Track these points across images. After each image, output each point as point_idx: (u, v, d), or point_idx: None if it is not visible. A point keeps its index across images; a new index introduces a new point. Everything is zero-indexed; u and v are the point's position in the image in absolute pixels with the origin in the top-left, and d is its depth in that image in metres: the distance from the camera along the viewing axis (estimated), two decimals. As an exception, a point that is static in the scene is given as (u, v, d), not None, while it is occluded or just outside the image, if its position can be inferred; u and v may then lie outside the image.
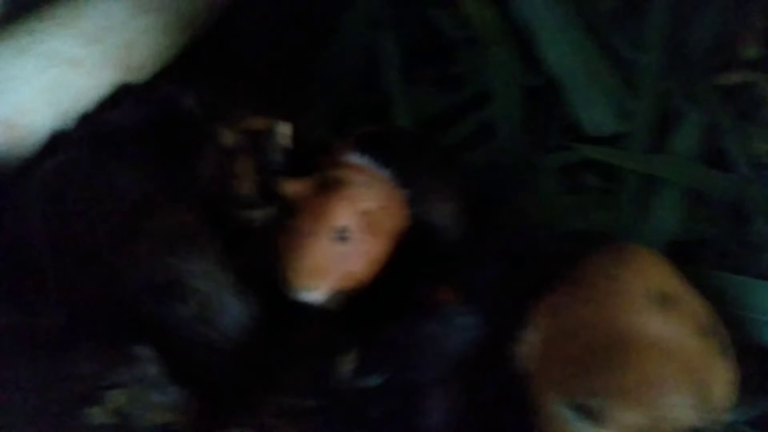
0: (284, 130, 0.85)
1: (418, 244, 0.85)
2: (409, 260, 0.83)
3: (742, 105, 1.02)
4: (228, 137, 0.84)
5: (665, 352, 0.69)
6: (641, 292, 0.73)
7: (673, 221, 0.94)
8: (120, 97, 0.96)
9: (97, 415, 0.67)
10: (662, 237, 0.94)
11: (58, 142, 0.90)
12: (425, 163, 0.89)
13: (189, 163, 0.84)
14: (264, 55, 1.11)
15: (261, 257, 0.80)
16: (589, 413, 0.64)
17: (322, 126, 1.01)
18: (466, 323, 0.76)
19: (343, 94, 1.09)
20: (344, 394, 0.70)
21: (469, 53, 1.09)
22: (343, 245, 0.77)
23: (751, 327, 0.86)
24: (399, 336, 0.75)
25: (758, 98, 1.02)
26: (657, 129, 1.00)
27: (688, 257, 0.95)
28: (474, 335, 0.76)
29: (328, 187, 0.78)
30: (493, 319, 0.77)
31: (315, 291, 0.76)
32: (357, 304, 0.80)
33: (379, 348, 0.74)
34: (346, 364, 0.72)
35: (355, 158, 0.85)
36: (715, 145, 1.01)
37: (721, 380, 0.74)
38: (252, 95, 1.01)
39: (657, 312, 0.72)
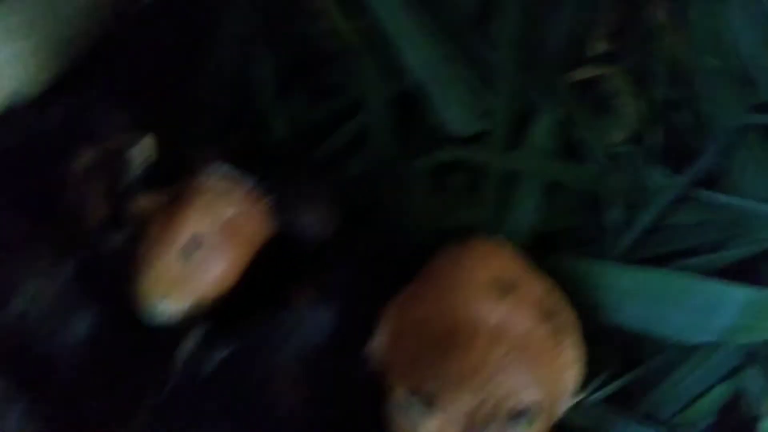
0: (145, 145, 0.84)
1: (285, 251, 0.85)
2: (274, 266, 0.83)
3: (596, 98, 1.05)
4: (84, 158, 0.82)
5: (500, 337, 0.69)
6: (480, 281, 0.73)
7: (532, 213, 0.96)
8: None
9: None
10: (523, 229, 0.95)
11: None
12: (289, 171, 0.89)
13: (43, 185, 0.82)
14: (141, 73, 1.10)
15: (119, 276, 0.79)
16: (423, 399, 0.65)
17: (198, 141, 1.01)
18: (318, 318, 0.76)
19: (219, 110, 1.09)
20: (185, 388, 0.70)
21: (340, 64, 1.10)
22: (197, 253, 0.76)
23: (607, 309, 0.88)
24: (250, 324, 0.75)
25: (610, 90, 1.06)
26: (515, 126, 1.01)
27: (550, 246, 0.98)
28: (327, 331, 0.76)
29: (182, 197, 0.77)
30: (348, 315, 0.77)
31: (168, 301, 0.75)
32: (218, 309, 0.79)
33: (224, 332, 0.74)
34: (189, 341, 0.71)
35: (217, 168, 0.83)
36: (573, 137, 1.03)
37: (565, 360, 0.75)
38: (127, 111, 1.00)
39: (495, 299, 0.72)
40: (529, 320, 0.73)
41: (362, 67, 1.07)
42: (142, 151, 0.83)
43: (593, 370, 0.86)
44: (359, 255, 0.83)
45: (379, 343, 0.76)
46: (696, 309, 0.83)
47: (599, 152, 1.00)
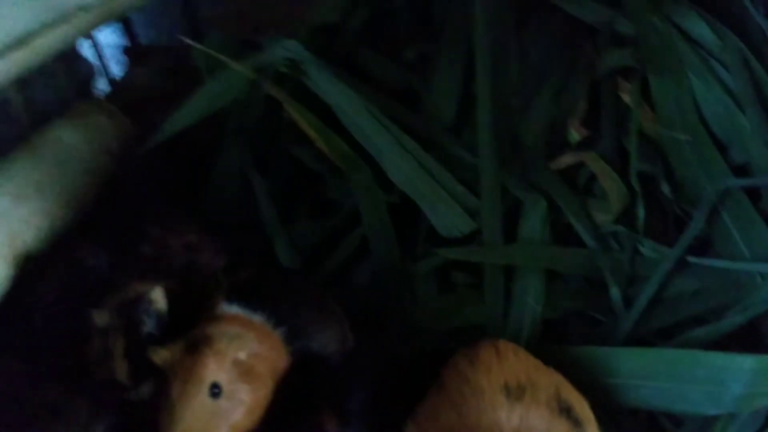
0: (156, 296, 0.85)
1: (304, 377, 0.85)
2: (296, 393, 0.83)
3: (578, 183, 1.07)
4: (101, 318, 0.84)
5: (519, 429, 0.69)
6: (494, 388, 0.73)
7: (534, 304, 0.96)
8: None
9: None
10: (528, 320, 0.95)
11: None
12: (296, 298, 0.87)
13: (71, 350, 0.83)
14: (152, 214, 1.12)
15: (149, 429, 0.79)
16: None
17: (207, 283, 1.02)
18: (348, 446, 0.76)
19: (225, 240, 1.11)
20: None
21: (334, 182, 1.12)
22: (218, 401, 0.75)
23: (621, 391, 0.86)
24: None
25: (590, 174, 1.08)
26: (505, 221, 1.02)
27: (556, 334, 0.98)
28: (356, 456, 0.76)
29: (196, 346, 0.77)
30: (374, 435, 0.77)
31: None
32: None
33: None
34: None
35: (227, 308, 0.83)
36: (562, 224, 1.04)
37: None
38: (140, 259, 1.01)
39: (511, 403, 0.72)
40: (546, 418, 0.72)
41: (354, 184, 1.08)
42: (154, 302, 0.84)
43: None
44: (376, 371, 0.82)
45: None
46: (707, 382, 0.82)
47: (589, 235, 1.01)
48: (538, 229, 1.01)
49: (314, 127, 1.06)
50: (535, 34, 1.17)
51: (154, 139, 1.12)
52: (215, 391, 0.75)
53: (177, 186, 1.13)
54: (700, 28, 1.13)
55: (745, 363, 0.79)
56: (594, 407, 0.79)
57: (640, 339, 0.92)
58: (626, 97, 1.10)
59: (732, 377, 0.80)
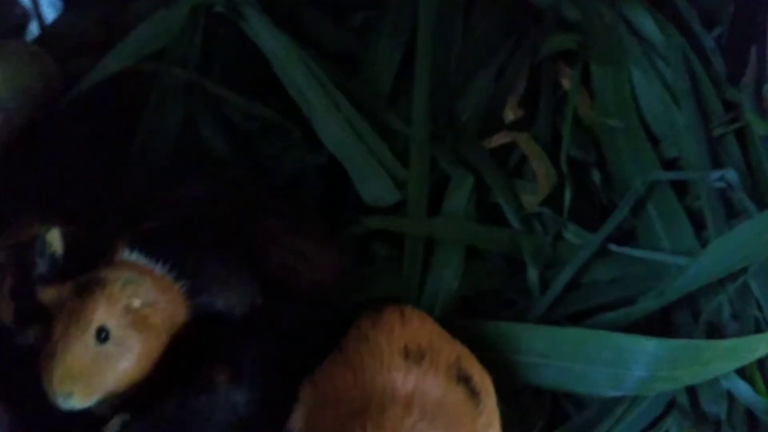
0: (52, 237, 0.81)
1: (205, 333, 0.83)
2: (194, 348, 0.80)
3: (508, 163, 1.06)
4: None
5: (413, 405, 0.66)
6: (392, 350, 0.71)
7: (452, 279, 0.94)
8: None
9: None
10: (443, 294, 0.93)
11: None
12: (204, 254, 0.84)
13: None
14: (60, 166, 1.08)
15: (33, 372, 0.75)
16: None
17: (113, 230, 0.98)
18: (237, 401, 0.73)
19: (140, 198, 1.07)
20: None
21: (266, 141, 1.09)
22: (104, 346, 0.71)
23: (527, 369, 0.85)
24: (169, 407, 0.71)
25: (522, 155, 1.06)
26: (432, 194, 1.00)
27: (472, 310, 0.97)
28: (244, 412, 0.72)
29: (87, 288, 0.73)
30: (265, 394, 0.73)
31: (75, 397, 0.70)
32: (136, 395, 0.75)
33: (145, 418, 0.70)
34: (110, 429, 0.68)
35: (127, 256, 0.80)
36: (489, 203, 1.03)
37: (484, 421, 0.72)
38: (39, 205, 0.97)
39: (408, 367, 0.70)
40: (443, 385, 0.70)
41: (289, 143, 1.06)
42: (48, 244, 0.80)
43: (520, 430, 0.84)
44: (276, 332, 0.79)
45: (297, 419, 0.72)
46: (611, 363, 0.81)
47: (514, 215, 1.00)
48: (462, 205, 1.00)
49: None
50: (482, 12, 1.15)
51: (81, 87, 1.08)
52: (102, 335, 0.72)
53: (102, 137, 1.09)
54: (645, 21, 1.13)
55: (649, 346, 0.78)
56: (498, 384, 0.78)
57: (553, 321, 0.90)
58: (566, 82, 1.10)
59: (635, 360, 0.79)
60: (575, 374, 0.81)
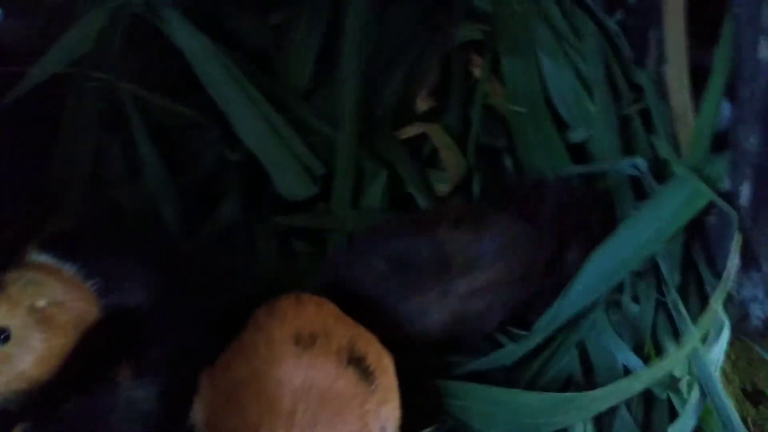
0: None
1: (113, 332, 0.84)
2: (99, 346, 0.82)
3: (422, 153, 1.08)
4: None
5: (304, 394, 0.68)
6: (284, 338, 0.72)
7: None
8: None
9: None
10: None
11: None
12: (116, 253, 0.86)
13: None
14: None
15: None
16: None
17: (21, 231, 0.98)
18: (138, 396, 0.74)
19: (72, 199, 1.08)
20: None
21: (186, 139, 1.10)
22: (4, 347, 0.72)
23: None
24: (70, 409, 0.72)
25: (434, 146, 1.09)
26: (353, 187, 1.03)
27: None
28: (148, 408, 0.73)
29: None
30: (168, 388, 0.74)
31: None
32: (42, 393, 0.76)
33: (49, 419, 0.71)
34: None
35: (35, 257, 0.80)
36: (404, 192, 1.05)
37: (379, 399, 0.73)
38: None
39: (298, 354, 0.71)
40: (333, 370, 0.71)
41: (209, 139, 1.07)
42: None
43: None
44: (180, 326, 0.80)
45: (198, 411, 0.73)
46: (507, 413, 0.83)
47: (426, 204, 1.02)
48: (378, 197, 1.02)
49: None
50: (395, 5, 1.17)
51: (12, 94, 1.08)
52: (2, 336, 0.73)
53: (24, 145, 1.09)
54: (555, 8, 1.15)
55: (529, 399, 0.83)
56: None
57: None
58: (477, 71, 1.12)
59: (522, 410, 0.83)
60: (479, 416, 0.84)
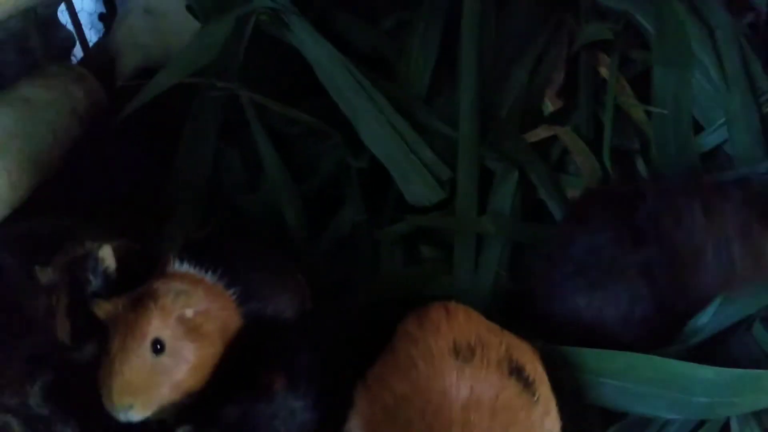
0: (104, 254, 0.81)
1: (257, 339, 0.82)
2: (246, 354, 0.80)
3: (551, 157, 1.03)
4: (45, 275, 0.80)
5: (474, 409, 0.65)
6: (442, 351, 0.69)
7: (503, 275, 0.92)
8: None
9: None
10: (489, 290, 0.92)
11: None
12: (253, 260, 0.85)
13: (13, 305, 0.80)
14: (113, 182, 1.08)
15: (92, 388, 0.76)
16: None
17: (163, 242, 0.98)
18: (295, 406, 0.72)
19: (192, 209, 1.07)
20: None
21: (306, 146, 1.08)
22: (160, 358, 0.72)
23: (590, 390, 0.82)
24: (230, 416, 0.71)
25: (564, 148, 1.04)
26: (478, 191, 0.99)
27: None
28: (304, 418, 0.72)
29: (141, 301, 0.73)
30: (321, 399, 0.73)
31: (134, 411, 0.70)
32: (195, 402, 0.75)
33: (211, 426, 0.70)
34: None
35: (177, 267, 0.80)
36: (534, 198, 1.00)
37: (541, 410, 0.71)
38: (100, 222, 0.97)
39: (460, 366, 0.69)
40: (497, 381, 0.69)
41: (325, 148, 1.06)
42: (101, 261, 0.79)
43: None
44: (327, 336, 0.79)
45: (354, 425, 0.71)
46: (672, 388, 0.78)
47: (560, 211, 0.97)
48: (508, 201, 0.98)
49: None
50: (515, 4, 1.13)
51: (134, 104, 1.08)
52: (157, 347, 0.72)
53: (147, 155, 1.09)
54: (683, 10, 1.09)
55: (709, 373, 0.77)
56: (564, 402, 0.76)
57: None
58: (604, 71, 1.07)
59: (695, 386, 0.77)
60: (636, 396, 0.79)
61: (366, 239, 1.00)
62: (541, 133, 1.04)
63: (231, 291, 0.81)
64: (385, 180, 1.03)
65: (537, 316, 0.85)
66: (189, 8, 1.14)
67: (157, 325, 0.72)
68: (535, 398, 0.71)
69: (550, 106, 1.06)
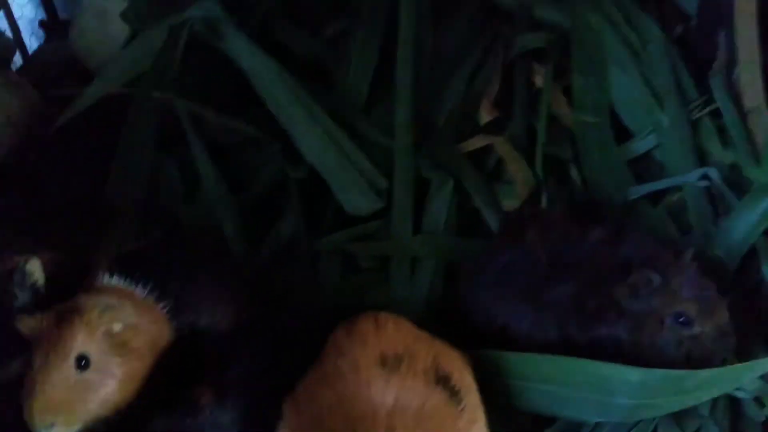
0: (32, 267, 0.80)
1: (188, 352, 0.82)
2: (176, 367, 0.79)
3: (486, 166, 1.04)
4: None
5: (398, 417, 0.66)
6: (369, 361, 0.70)
7: (432, 290, 0.93)
8: None
9: None
10: (424, 305, 0.92)
11: None
12: (186, 273, 0.83)
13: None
14: (47, 193, 1.07)
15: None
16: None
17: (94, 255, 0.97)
18: (222, 420, 0.72)
19: (131, 219, 1.06)
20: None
21: (245, 156, 1.08)
22: (84, 374, 0.70)
23: (517, 394, 0.82)
24: (157, 431, 0.70)
25: (499, 157, 1.05)
26: (415, 200, 1.00)
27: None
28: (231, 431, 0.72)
29: (65, 317, 0.71)
30: (249, 412, 0.72)
31: (56, 428, 0.69)
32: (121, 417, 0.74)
33: None
34: None
35: (106, 280, 0.79)
36: (470, 208, 1.01)
37: (468, 418, 0.71)
38: (31, 234, 0.96)
39: (386, 376, 0.69)
40: (423, 389, 0.69)
41: (263, 157, 1.06)
42: (29, 275, 0.78)
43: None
44: (260, 347, 0.78)
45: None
46: (597, 391, 0.79)
47: (495, 220, 0.98)
48: (443, 211, 0.99)
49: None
50: (451, 17, 1.15)
51: (67, 114, 1.07)
52: (82, 363, 0.71)
53: (83, 164, 1.08)
54: (620, 19, 1.11)
55: (632, 375, 0.77)
56: (491, 406, 0.76)
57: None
58: (539, 80, 1.09)
59: (619, 388, 0.78)
60: (563, 400, 0.80)
61: (305, 249, 1.00)
62: (476, 142, 1.05)
63: (162, 304, 0.80)
64: (324, 190, 1.03)
65: (466, 323, 0.86)
66: (124, 16, 1.13)
67: (82, 341, 0.71)
68: (462, 406, 0.71)
69: (485, 115, 1.08)
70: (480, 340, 0.83)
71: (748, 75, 1.01)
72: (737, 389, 0.79)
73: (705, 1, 1.09)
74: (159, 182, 1.06)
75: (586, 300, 0.80)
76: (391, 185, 1.01)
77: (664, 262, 0.79)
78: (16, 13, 1.35)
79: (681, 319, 0.78)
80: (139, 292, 0.80)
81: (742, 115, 1.02)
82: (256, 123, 1.06)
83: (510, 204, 1.01)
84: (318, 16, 1.19)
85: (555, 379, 0.79)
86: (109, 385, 0.72)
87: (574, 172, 1.03)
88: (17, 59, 1.35)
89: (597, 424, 0.81)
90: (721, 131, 1.04)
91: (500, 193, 1.02)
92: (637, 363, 0.78)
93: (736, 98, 1.03)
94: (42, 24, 1.41)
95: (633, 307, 0.79)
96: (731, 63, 1.03)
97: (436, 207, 1.00)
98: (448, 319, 0.89)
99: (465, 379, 0.74)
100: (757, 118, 1.01)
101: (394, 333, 0.74)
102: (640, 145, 1.04)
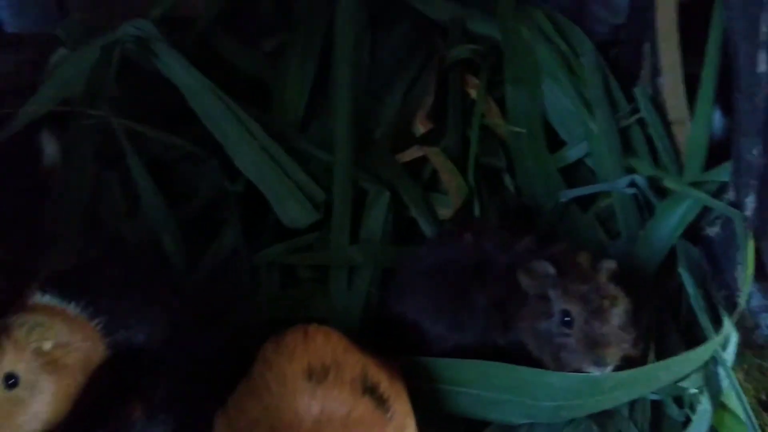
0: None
1: (121, 369, 0.82)
2: (109, 384, 0.80)
3: (422, 177, 1.06)
4: None
5: (324, 426, 0.68)
6: (296, 373, 0.71)
7: (369, 297, 0.95)
8: None
9: None
10: (361, 309, 0.94)
11: None
12: (120, 289, 0.84)
13: None
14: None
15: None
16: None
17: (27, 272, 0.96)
18: (150, 434, 0.73)
19: (72, 236, 1.06)
20: None
21: (184, 171, 1.09)
22: (13, 392, 0.71)
23: (446, 399, 0.84)
24: None
25: (434, 168, 1.07)
26: (353, 211, 1.02)
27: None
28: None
29: None
30: (182, 429, 0.73)
31: None
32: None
33: None
34: None
35: (39, 299, 0.79)
36: (407, 217, 1.03)
37: (396, 424, 0.73)
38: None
39: (313, 387, 0.70)
40: (350, 399, 0.70)
41: (207, 170, 1.06)
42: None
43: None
44: (189, 364, 0.79)
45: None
46: (521, 394, 0.81)
47: (431, 229, 1.01)
48: (380, 221, 1.01)
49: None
50: (388, 31, 1.17)
51: (4, 134, 1.07)
52: (10, 381, 0.71)
53: (22, 183, 1.07)
54: (551, 30, 1.15)
55: (553, 378, 0.80)
56: (422, 411, 0.78)
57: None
58: (473, 92, 1.11)
59: (542, 391, 0.80)
60: (490, 404, 0.83)
61: (245, 262, 1.01)
62: (412, 153, 1.07)
63: (95, 321, 0.80)
64: (263, 203, 1.04)
65: (395, 329, 0.88)
66: (56, 37, 1.13)
67: (10, 360, 0.72)
68: (389, 414, 0.73)
69: (420, 127, 1.10)
70: (408, 345, 0.84)
71: (670, 85, 1.05)
72: (652, 392, 0.82)
73: (632, 13, 1.13)
74: (101, 198, 1.06)
75: (507, 304, 0.83)
76: (329, 197, 1.03)
77: (570, 261, 0.82)
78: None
79: (566, 318, 0.81)
80: (72, 309, 0.80)
81: (666, 124, 1.05)
82: (194, 138, 1.07)
83: (445, 213, 1.03)
84: (258, 30, 1.20)
85: (482, 384, 0.82)
86: (41, 401, 0.73)
87: (508, 181, 1.06)
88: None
89: (530, 426, 0.83)
90: (649, 140, 1.08)
91: (435, 202, 1.04)
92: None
93: (660, 108, 1.06)
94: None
95: (531, 292, 0.82)
96: (655, 73, 1.07)
97: (373, 217, 1.02)
98: (381, 326, 0.91)
99: (394, 387, 0.76)
100: (680, 128, 1.04)
101: (323, 345, 0.75)
102: (572, 153, 1.07)
